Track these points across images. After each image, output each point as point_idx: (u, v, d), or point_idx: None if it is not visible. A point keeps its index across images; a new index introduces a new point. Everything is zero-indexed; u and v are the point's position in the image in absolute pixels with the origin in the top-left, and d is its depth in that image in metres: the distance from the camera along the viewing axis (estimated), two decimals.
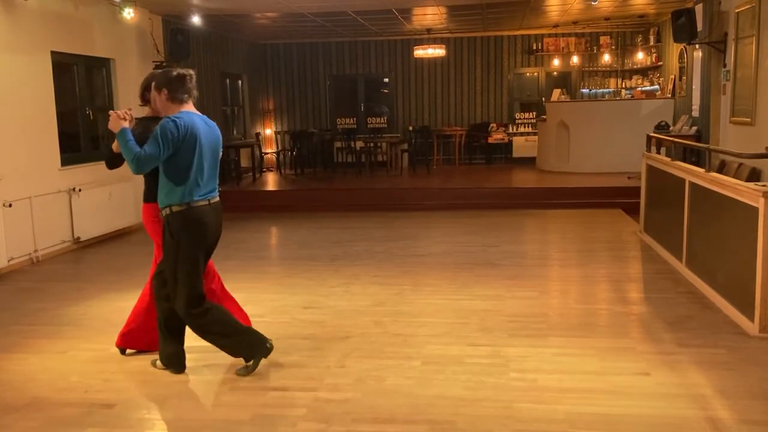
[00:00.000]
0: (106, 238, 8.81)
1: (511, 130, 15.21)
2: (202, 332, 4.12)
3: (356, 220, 9.84)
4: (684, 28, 9.58)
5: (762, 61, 7.71)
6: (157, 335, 4.40)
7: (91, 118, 9.11)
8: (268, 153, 15.21)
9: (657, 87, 13.18)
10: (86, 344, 4.81)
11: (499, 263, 6.93)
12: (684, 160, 7.68)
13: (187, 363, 4.39)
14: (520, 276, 6.42)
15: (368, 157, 13.88)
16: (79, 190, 8.28)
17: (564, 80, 15.38)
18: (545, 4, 11.11)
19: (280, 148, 15.00)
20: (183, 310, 4.03)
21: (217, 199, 4.13)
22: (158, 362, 4.28)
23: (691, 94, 10.76)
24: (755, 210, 4.59)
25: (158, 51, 10.19)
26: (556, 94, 13.89)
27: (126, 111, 4.04)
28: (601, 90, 15.04)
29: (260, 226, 9.62)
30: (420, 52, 14.05)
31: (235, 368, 4.19)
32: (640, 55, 14.28)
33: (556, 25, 13.90)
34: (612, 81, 15.06)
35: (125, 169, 8.36)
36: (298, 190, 12.11)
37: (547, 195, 10.70)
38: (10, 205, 7.16)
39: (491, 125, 15.19)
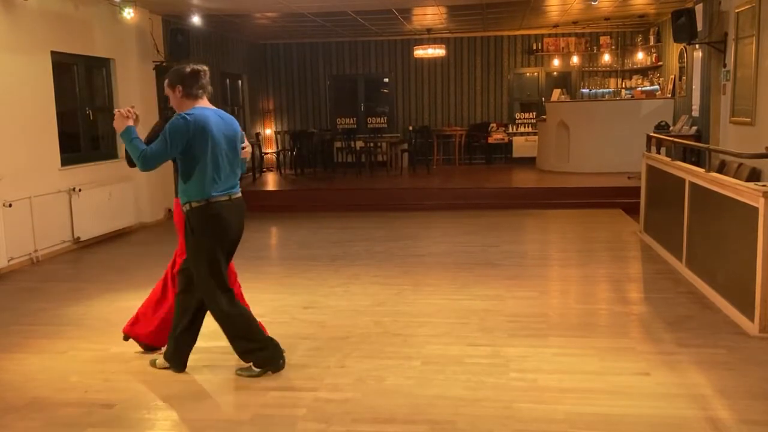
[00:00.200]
0: (106, 238, 8.81)
1: (511, 130, 15.21)
2: (225, 325, 4.09)
3: (356, 220, 9.84)
4: (684, 28, 9.58)
5: (762, 61, 7.71)
6: (157, 333, 4.40)
7: (91, 118, 9.11)
8: (268, 153, 15.21)
9: (657, 87, 13.18)
10: (86, 344, 4.81)
11: (499, 263, 6.93)
12: (684, 160, 7.67)
13: (188, 363, 4.40)
14: (520, 276, 6.42)
15: (368, 157, 13.88)
16: (79, 190, 8.28)
17: (564, 80, 15.38)
18: (545, 4, 11.11)
19: (280, 148, 15.00)
20: (210, 303, 4.04)
21: (239, 195, 4.10)
22: (158, 361, 4.27)
23: (691, 94, 10.75)
24: (755, 210, 4.59)
25: (158, 51, 10.19)
26: (556, 94, 13.89)
27: (129, 109, 4.02)
28: (601, 90, 15.05)
29: (260, 226, 9.62)
30: (420, 52, 14.05)
31: (235, 368, 4.18)
32: (640, 55, 14.28)
33: (556, 25, 13.90)
34: (612, 81, 15.06)
35: (125, 168, 8.38)
36: (298, 190, 12.12)
37: (547, 195, 10.70)
38: (10, 205, 7.16)
39: (491, 125, 15.19)
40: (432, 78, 15.42)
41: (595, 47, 14.96)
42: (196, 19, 10.30)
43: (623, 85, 14.81)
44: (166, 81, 4.05)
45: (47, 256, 7.78)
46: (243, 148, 4.15)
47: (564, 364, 4.21)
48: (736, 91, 8.58)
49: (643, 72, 14.32)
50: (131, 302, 5.83)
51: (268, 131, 15.69)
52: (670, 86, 12.17)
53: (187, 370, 4.27)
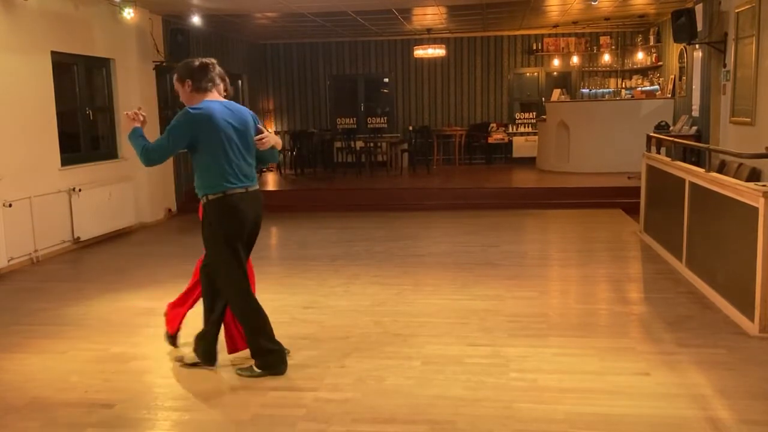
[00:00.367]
0: (106, 238, 8.81)
1: (511, 130, 15.21)
2: (242, 318, 4.09)
3: (356, 220, 9.84)
4: (684, 28, 9.58)
5: (762, 61, 7.71)
6: (180, 325, 4.44)
7: (91, 118, 9.11)
8: None
9: (657, 87, 13.18)
10: (86, 344, 4.81)
11: (499, 263, 6.93)
12: (684, 160, 7.67)
13: (187, 363, 4.40)
14: (520, 276, 6.42)
15: (368, 157, 13.88)
16: (79, 190, 8.28)
17: (564, 80, 15.38)
18: (545, 4, 11.11)
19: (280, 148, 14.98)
20: (229, 296, 4.05)
21: (256, 187, 4.09)
22: (187, 356, 4.26)
23: (691, 94, 10.75)
24: (755, 210, 4.59)
25: (158, 51, 10.19)
26: (556, 94, 13.89)
27: (136, 111, 4.05)
28: (601, 90, 15.05)
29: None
30: (420, 52, 14.05)
31: (235, 368, 4.18)
32: (640, 55, 14.29)
33: (556, 25, 13.90)
34: (612, 81, 15.06)
35: (125, 168, 8.40)
36: (298, 190, 12.12)
37: (547, 195, 10.70)
38: (10, 205, 7.16)
39: (491, 125, 15.19)
40: (432, 78, 15.42)
41: (595, 47, 14.97)
42: (196, 19, 10.30)
43: (623, 85, 14.81)
44: (175, 75, 4.02)
45: (47, 256, 7.78)
46: (260, 139, 4.08)
47: (564, 364, 4.21)
48: (736, 91, 8.59)
49: (643, 72, 14.32)
50: (131, 302, 5.85)
51: (269, 131, 15.67)
52: (670, 86, 12.17)
53: (186, 370, 4.27)
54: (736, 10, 8.47)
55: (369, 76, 15.72)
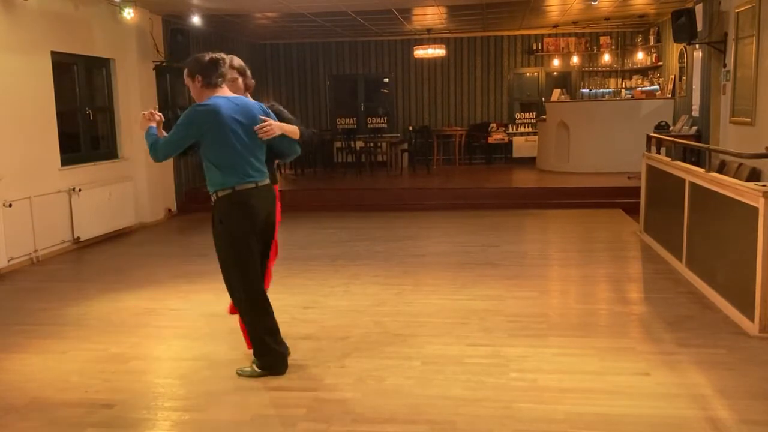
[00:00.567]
0: (106, 238, 8.81)
1: (511, 130, 15.21)
2: (247, 319, 4.07)
3: (356, 220, 9.84)
4: (684, 28, 9.59)
5: (762, 61, 7.71)
6: None
7: (91, 118, 9.11)
8: None
9: (657, 87, 13.18)
10: (86, 344, 4.81)
11: (499, 263, 6.93)
12: (684, 160, 7.67)
13: (186, 363, 4.40)
14: (520, 276, 6.42)
15: (368, 157, 13.89)
16: (79, 190, 8.28)
17: (564, 80, 15.38)
18: (545, 4, 11.11)
19: None
20: (235, 293, 4.03)
21: (267, 182, 4.04)
22: (246, 369, 4.15)
23: (691, 94, 10.75)
24: (755, 210, 4.59)
25: (158, 51, 10.19)
26: (556, 94, 13.89)
27: (151, 111, 4.09)
28: (601, 90, 15.04)
29: None
30: (420, 52, 14.05)
31: (235, 368, 4.18)
32: (640, 55, 14.29)
33: (556, 25, 13.90)
34: (612, 81, 15.06)
35: (125, 168, 8.40)
36: (298, 190, 12.11)
37: (547, 195, 10.70)
38: (10, 205, 7.16)
39: (491, 125, 15.19)
40: (432, 78, 15.42)
41: (595, 47, 14.97)
42: (196, 19, 10.30)
43: (623, 85, 14.81)
44: (186, 71, 3.98)
45: (47, 256, 7.78)
46: (261, 128, 3.93)
47: (564, 364, 4.21)
48: (736, 91, 8.58)
49: (643, 72, 14.32)
50: (131, 302, 5.85)
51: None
52: (670, 86, 12.17)
53: (187, 370, 4.27)
54: (736, 10, 8.47)
55: (369, 76, 15.72)
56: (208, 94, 3.93)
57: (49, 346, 4.80)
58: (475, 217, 9.70)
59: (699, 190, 5.85)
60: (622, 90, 14.67)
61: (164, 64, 10.26)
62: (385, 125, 15.72)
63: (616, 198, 10.08)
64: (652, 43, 13.64)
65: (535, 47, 15.08)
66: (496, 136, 15.01)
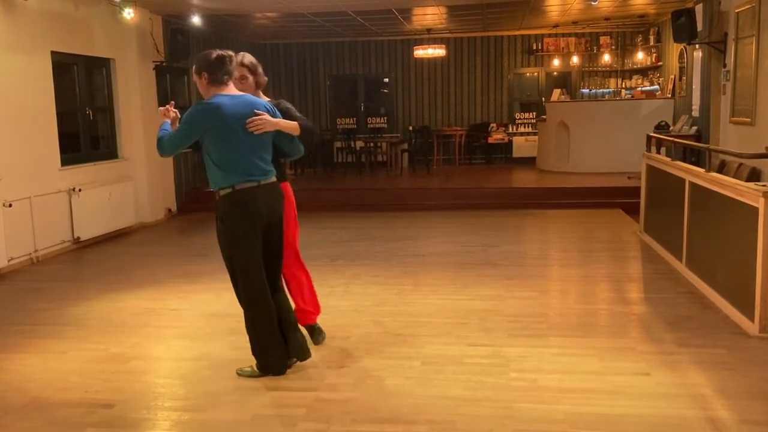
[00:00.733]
0: (106, 238, 8.81)
1: (511, 130, 15.21)
2: (249, 319, 4.05)
3: (356, 220, 9.84)
4: (684, 28, 9.59)
5: (762, 61, 7.71)
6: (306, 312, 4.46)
7: (91, 118, 9.11)
8: None
9: (657, 87, 13.18)
10: (86, 344, 4.81)
11: (499, 263, 6.93)
12: (684, 160, 7.67)
13: (186, 363, 4.40)
14: (520, 276, 6.42)
15: (368, 157, 13.89)
16: (79, 190, 8.28)
17: (564, 80, 15.38)
18: (545, 4, 11.11)
19: None
20: (241, 295, 4.02)
21: (271, 180, 4.02)
22: (246, 369, 4.14)
23: (691, 94, 10.75)
24: (755, 210, 4.59)
25: (158, 51, 10.18)
26: (556, 94, 13.89)
27: (168, 107, 4.12)
28: (601, 90, 15.04)
29: None
30: (420, 52, 14.05)
31: (235, 368, 4.18)
32: (640, 55, 14.29)
33: (556, 25, 13.90)
34: (612, 81, 15.06)
35: (125, 168, 8.41)
36: (298, 190, 11.98)
37: (547, 195, 10.70)
38: (10, 205, 7.16)
39: (491, 125, 15.19)
40: (432, 78, 15.42)
41: (595, 47, 14.97)
42: (196, 19, 10.30)
43: (623, 85, 14.81)
44: (193, 68, 3.98)
45: (47, 256, 7.78)
46: (251, 121, 3.86)
47: (564, 364, 4.21)
48: (736, 91, 8.58)
49: (643, 72, 14.32)
50: (131, 302, 5.85)
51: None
52: (670, 86, 12.17)
53: (187, 370, 4.27)
54: (736, 10, 8.47)
55: (369, 76, 15.72)
56: (214, 91, 3.93)
57: (49, 346, 4.80)
58: (475, 217, 9.70)
59: (699, 190, 5.85)
60: (622, 90, 14.67)
61: (164, 64, 10.26)
62: (385, 125, 15.72)
63: (616, 198, 10.08)
64: (652, 43, 13.64)
65: (535, 47, 15.08)
66: (496, 136, 15.01)
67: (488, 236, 8.32)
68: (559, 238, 8.52)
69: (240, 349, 4.39)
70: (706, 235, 5.72)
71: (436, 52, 13.91)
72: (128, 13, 9.06)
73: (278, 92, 15.69)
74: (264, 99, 4.28)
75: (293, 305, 4.40)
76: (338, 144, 14.57)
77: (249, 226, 3.93)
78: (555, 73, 15.43)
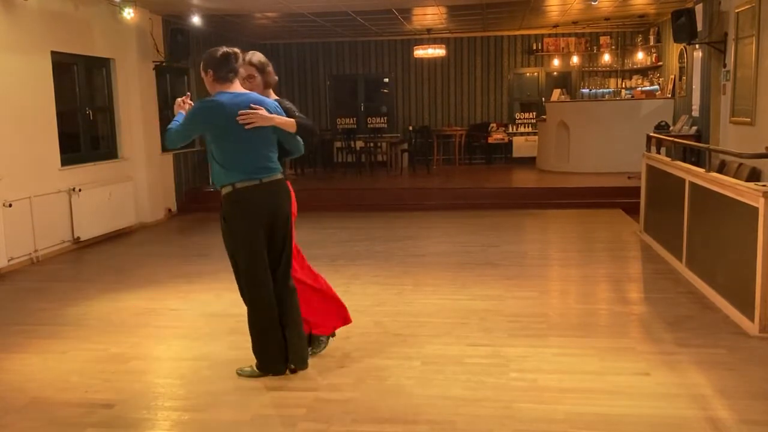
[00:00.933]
0: (106, 238, 8.81)
1: (511, 130, 15.21)
2: (252, 319, 4.03)
3: (356, 220, 9.84)
4: (684, 28, 9.59)
5: (762, 61, 7.71)
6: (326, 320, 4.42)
7: (91, 118, 9.11)
8: None
9: (657, 87, 13.18)
10: (86, 344, 4.81)
11: (499, 263, 6.93)
12: (684, 160, 7.67)
13: (186, 363, 4.41)
14: (520, 276, 6.42)
15: (368, 157, 13.89)
16: (79, 190, 8.28)
17: (564, 80, 15.38)
18: (545, 4, 11.11)
19: None
20: (245, 295, 4.02)
21: (273, 177, 3.99)
22: (246, 369, 4.13)
23: (691, 94, 10.75)
24: (755, 210, 4.59)
25: (158, 51, 10.18)
26: (556, 94, 13.89)
27: (184, 98, 4.13)
28: (601, 90, 15.05)
29: None
30: (420, 52, 14.05)
31: (235, 368, 4.18)
32: (640, 55, 14.29)
33: (556, 25, 13.90)
34: (612, 81, 15.06)
35: (125, 168, 8.42)
36: (298, 190, 11.97)
37: (547, 195, 10.70)
38: (10, 205, 7.16)
39: (491, 125, 15.19)
40: (432, 78, 15.42)
41: (595, 47, 14.97)
42: (196, 19, 10.30)
43: (623, 85, 14.81)
44: (201, 64, 3.97)
45: (47, 256, 7.78)
46: (239, 115, 3.83)
47: (564, 364, 4.21)
48: (736, 91, 8.58)
49: (643, 72, 14.32)
50: (131, 302, 5.85)
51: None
52: (670, 86, 12.17)
53: (186, 370, 4.27)
54: (736, 10, 8.47)
55: (369, 76, 15.72)
56: (219, 88, 3.93)
57: (49, 346, 4.80)
58: (475, 217, 9.70)
59: (699, 190, 5.85)
60: (622, 90, 14.67)
61: (164, 64, 10.26)
62: (385, 125, 15.72)
63: (616, 198, 10.08)
64: (652, 43, 13.64)
65: (535, 47, 15.08)
66: (496, 136, 15.01)
67: (488, 236, 8.32)
68: (559, 238, 8.52)
69: (240, 349, 4.40)
70: (706, 235, 5.72)
71: (436, 52, 13.91)
72: (128, 13, 9.06)
73: (278, 92, 15.67)
74: (272, 98, 4.27)
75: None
76: (338, 144, 14.57)
77: (250, 225, 3.92)
78: (555, 73, 15.44)
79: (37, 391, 4.00)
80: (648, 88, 13.48)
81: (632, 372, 4.06)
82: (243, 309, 4.15)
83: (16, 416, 3.68)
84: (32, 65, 7.72)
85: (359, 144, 14.03)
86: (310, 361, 4.25)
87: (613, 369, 4.11)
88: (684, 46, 10.98)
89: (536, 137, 14.20)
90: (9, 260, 7.13)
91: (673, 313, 5.16)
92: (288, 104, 4.34)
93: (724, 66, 9.08)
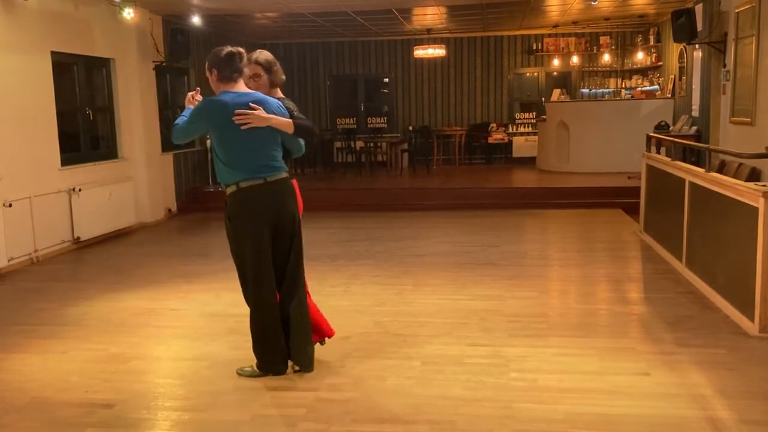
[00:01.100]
0: (106, 238, 8.81)
1: (511, 130, 15.21)
2: (254, 318, 4.02)
3: (356, 220, 9.84)
4: (684, 28, 9.59)
5: (762, 61, 7.71)
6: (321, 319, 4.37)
7: (91, 118, 9.11)
8: None
9: (657, 87, 13.18)
10: (86, 344, 4.81)
11: (499, 263, 6.93)
12: (684, 160, 7.67)
13: (186, 363, 4.41)
14: (520, 276, 6.42)
15: (368, 157, 13.88)
16: (79, 190, 8.28)
17: (564, 80, 15.38)
18: (545, 4, 11.11)
19: None
20: (248, 294, 4.00)
21: (278, 177, 3.97)
22: (246, 369, 4.13)
23: (691, 94, 10.75)
24: (755, 210, 4.59)
25: (158, 51, 10.18)
26: (556, 94, 13.89)
27: (192, 94, 4.13)
28: (601, 90, 15.04)
29: None
30: (420, 52, 14.05)
31: (235, 368, 4.18)
32: (640, 55, 14.28)
33: (556, 25, 13.90)
34: (612, 81, 15.06)
35: (125, 168, 8.41)
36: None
37: (547, 195, 10.70)
38: (10, 205, 7.16)
39: (491, 125, 15.19)
40: (432, 78, 15.42)
41: (595, 47, 14.97)
42: (196, 19, 10.29)
43: (623, 85, 14.80)
44: (206, 64, 3.98)
45: (47, 256, 7.78)
46: (236, 115, 3.80)
47: (564, 364, 4.21)
48: (736, 91, 8.58)
49: (643, 72, 14.32)
50: (131, 302, 5.85)
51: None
52: (670, 86, 12.17)
53: (186, 370, 4.27)
54: (736, 10, 8.47)
55: (369, 76, 15.72)
56: (223, 88, 3.94)
57: (49, 346, 4.80)
58: (475, 217, 9.70)
59: (699, 190, 5.85)
60: (622, 90, 14.67)
61: (164, 64, 10.25)
62: (385, 125, 15.72)
63: (616, 198, 10.08)
64: (652, 43, 13.64)
65: (535, 47, 15.08)
66: (496, 136, 15.01)
67: (488, 236, 8.32)
68: (559, 238, 8.52)
69: (240, 349, 4.40)
70: (706, 235, 5.72)
71: (436, 52, 13.91)
72: (128, 13, 9.06)
73: None
74: (279, 97, 4.27)
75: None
76: (338, 144, 14.57)
77: (254, 225, 3.92)
78: (555, 73, 15.43)
79: (37, 391, 4.00)
80: (648, 88, 13.48)
81: (632, 372, 4.06)
82: (243, 309, 4.16)
83: (16, 416, 3.68)
84: (32, 65, 7.72)
85: (359, 144, 14.03)
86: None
87: (613, 369, 4.11)
88: (684, 46, 10.98)
89: (536, 137, 14.20)
90: (9, 260, 7.13)
91: (673, 313, 5.16)
92: (289, 104, 4.33)
93: (724, 66, 9.08)
